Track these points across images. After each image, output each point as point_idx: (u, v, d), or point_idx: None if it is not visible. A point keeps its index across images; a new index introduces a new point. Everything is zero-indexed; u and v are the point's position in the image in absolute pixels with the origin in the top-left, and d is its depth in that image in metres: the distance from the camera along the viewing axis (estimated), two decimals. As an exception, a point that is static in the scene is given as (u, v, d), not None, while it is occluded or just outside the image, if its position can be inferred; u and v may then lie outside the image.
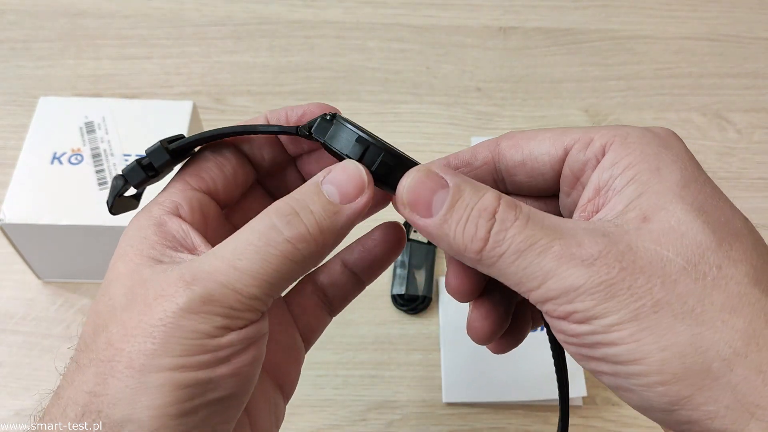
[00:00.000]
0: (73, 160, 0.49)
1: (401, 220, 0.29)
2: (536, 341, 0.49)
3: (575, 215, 0.26)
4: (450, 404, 0.48)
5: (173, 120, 0.51)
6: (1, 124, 0.60)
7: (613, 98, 0.64)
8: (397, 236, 0.31)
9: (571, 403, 0.47)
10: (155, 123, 0.51)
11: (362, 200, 0.25)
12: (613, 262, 0.22)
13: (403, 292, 0.51)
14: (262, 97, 0.63)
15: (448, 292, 0.29)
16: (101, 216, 0.47)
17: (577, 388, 0.47)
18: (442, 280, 0.52)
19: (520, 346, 0.48)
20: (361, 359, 0.50)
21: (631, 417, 0.47)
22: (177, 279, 0.23)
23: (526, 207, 0.24)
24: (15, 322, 0.51)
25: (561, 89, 0.65)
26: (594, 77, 0.66)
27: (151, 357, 0.23)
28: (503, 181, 0.29)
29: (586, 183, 0.26)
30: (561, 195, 0.28)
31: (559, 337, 0.24)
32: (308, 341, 0.32)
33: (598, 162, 0.26)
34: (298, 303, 0.32)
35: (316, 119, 0.27)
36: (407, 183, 0.25)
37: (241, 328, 0.24)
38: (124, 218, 0.46)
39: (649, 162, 0.24)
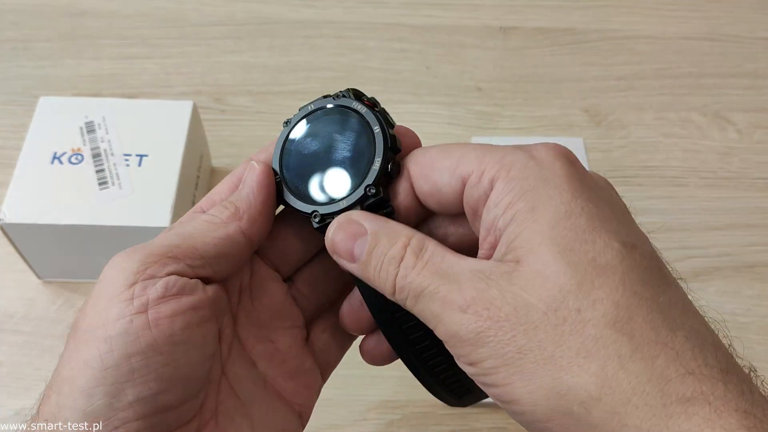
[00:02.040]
0: (73, 160, 0.49)
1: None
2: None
3: (479, 253, 0.27)
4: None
5: (173, 120, 0.51)
6: (1, 124, 0.60)
7: (613, 98, 0.64)
8: None
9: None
10: (155, 123, 0.51)
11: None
12: (481, 310, 0.24)
13: (403, 292, 0.51)
14: (262, 97, 0.63)
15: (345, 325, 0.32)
16: (101, 216, 0.47)
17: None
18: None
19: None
20: (361, 359, 0.50)
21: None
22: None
23: (430, 250, 0.26)
24: (15, 322, 0.51)
25: (561, 89, 0.65)
26: (594, 77, 0.65)
27: (83, 317, 0.25)
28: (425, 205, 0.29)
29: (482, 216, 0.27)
30: (469, 219, 0.28)
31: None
32: (327, 363, 0.33)
33: (487, 199, 0.26)
34: (319, 337, 0.32)
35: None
36: (332, 232, 0.27)
37: (158, 276, 0.25)
38: (124, 218, 0.47)
39: (526, 200, 0.25)
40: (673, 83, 0.65)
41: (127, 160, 0.49)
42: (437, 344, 0.27)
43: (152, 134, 0.50)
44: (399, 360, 0.50)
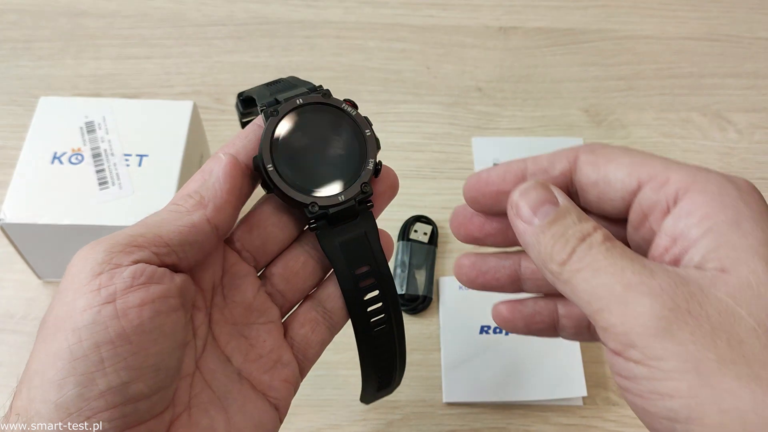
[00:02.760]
0: (73, 159, 0.49)
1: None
2: (536, 342, 0.49)
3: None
4: (450, 404, 0.48)
5: (173, 120, 0.51)
6: (1, 124, 0.60)
7: (613, 98, 0.64)
8: None
9: (571, 403, 0.47)
10: (155, 123, 0.51)
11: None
12: (679, 299, 0.22)
13: (403, 292, 0.51)
14: (263, 97, 0.63)
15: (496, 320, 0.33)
16: (101, 216, 0.47)
17: (577, 388, 0.47)
18: (442, 280, 0.52)
19: (519, 346, 0.49)
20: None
21: (631, 417, 0.47)
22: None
23: (618, 241, 0.25)
24: (15, 322, 0.51)
25: (561, 89, 0.65)
26: (594, 77, 0.66)
27: (51, 311, 0.26)
28: (576, 194, 0.29)
29: (654, 225, 0.26)
30: (629, 227, 0.28)
31: (617, 382, 0.24)
32: (306, 357, 0.33)
33: (669, 207, 0.25)
34: (297, 332, 0.32)
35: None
36: (523, 187, 0.27)
37: (124, 265, 0.25)
38: (124, 218, 0.47)
39: (727, 214, 0.24)
40: (673, 83, 0.65)
41: (127, 160, 0.49)
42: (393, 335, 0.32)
43: (152, 134, 0.50)
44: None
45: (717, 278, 0.22)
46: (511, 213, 0.27)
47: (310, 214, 0.30)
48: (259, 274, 0.33)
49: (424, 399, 0.48)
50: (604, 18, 0.70)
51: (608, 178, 0.27)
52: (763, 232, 0.23)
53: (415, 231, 0.54)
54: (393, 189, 0.34)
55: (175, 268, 0.28)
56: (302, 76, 0.65)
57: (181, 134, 0.51)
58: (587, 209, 0.29)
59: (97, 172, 0.48)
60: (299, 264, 0.32)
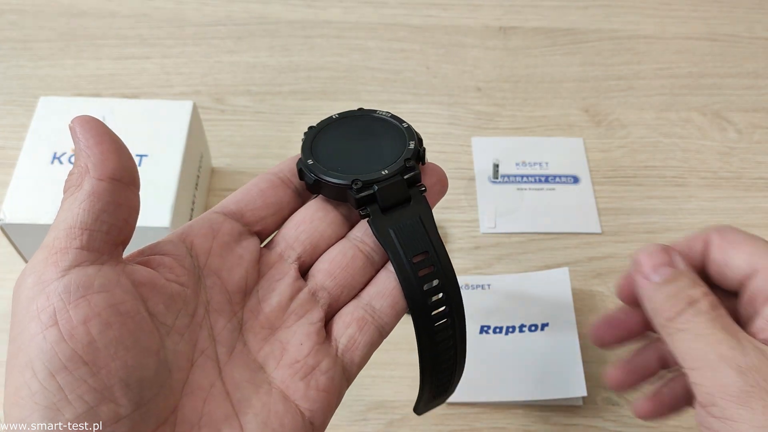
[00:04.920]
0: (73, 160, 0.49)
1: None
2: (537, 342, 0.49)
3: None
4: (450, 404, 0.48)
5: (173, 120, 0.51)
6: (1, 124, 0.60)
7: (613, 98, 0.64)
8: None
9: (571, 403, 0.47)
10: (155, 123, 0.51)
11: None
12: (760, 379, 0.26)
13: (403, 292, 0.51)
14: (262, 97, 0.63)
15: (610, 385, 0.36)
16: (101, 216, 0.47)
17: (577, 388, 0.47)
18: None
19: (519, 346, 0.49)
20: (361, 359, 0.50)
21: (631, 417, 0.47)
22: None
23: (723, 310, 0.29)
24: (15, 322, 0.51)
25: (561, 89, 0.65)
26: (594, 77, 0.66)
27: (9, 347, 0.24)
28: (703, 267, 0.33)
29: (759, 307, 0.30)
30: (739, 301, 0.31)
31: (700, 428, 0.28)
32: (353, 362, 0.30)
33: None
34: (343, 332, 0.30)
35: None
36: (648, 248, 0.31)
37: (53, 279, 0.24)
38: (124, 218, 0.47)
39: None
40: (673, 83, 0.65)
41: (127, 160, 0.49)
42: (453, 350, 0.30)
43: (152, 134, 0.50)
44: (398, 361, 0.50)
45: None
46: (632, 267, 0.31)
47: (356, 194, 0.30)
48: (304, 275, 0.31)
49: (424, 399, 0.48)
50: (604, 18, 0.70)
51: (728, 261, 0.31)
52: None
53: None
54: (442, 183, 0.33)
55: (111, 245, 0.25)
56: (302, 76, 0.65)
57: (181, 134, 0.51)
58: (708, 279, 0.32)
59: (97, 172, 0.48)
60: (347, 258, 0.31)
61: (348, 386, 0.30)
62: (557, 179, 0.58)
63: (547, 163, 0.59)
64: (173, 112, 0.52)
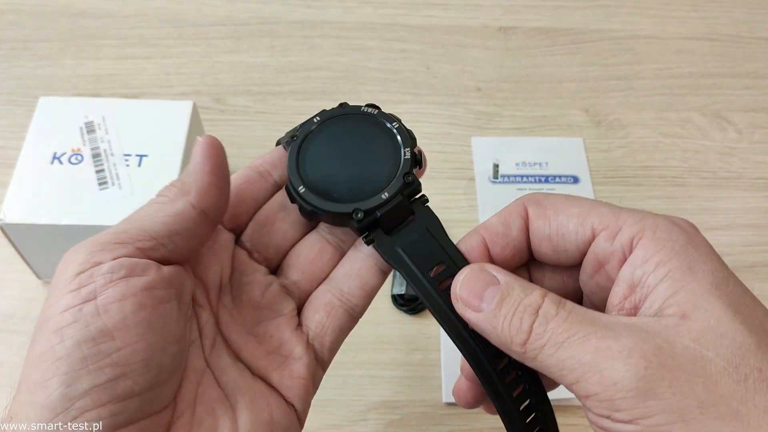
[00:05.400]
0: (73, 160, 0.49)
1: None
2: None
3: (613, 312, 0.26)
4: (450, 404, 0.48)
5: (173, 120, 0.51)
6: (1, 124, 0.60)
7: (613, 98, 0.64)
8: None
9: (570, 403, 0.47)
10: (155, 123, 0.51)
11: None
12: (650, 356, 0.23)
13: (403, 292, 0.51)
14: (262, 97, 0.63)
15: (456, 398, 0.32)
16: (101, 216, 0.47)
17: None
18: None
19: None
20: (361, 359, 0.50)
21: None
22: None
23: (570, 303, 0.25)
24: (15, 322, 0.51)
25: (561, 89, 0.65)
26: (594, 77, 0.66)
27: (39, 316, 0.25)
28: (531, 247, 0.29)
29: (611, 272, 0.27)
30: (582, 274, 0.28)
31: None
32: (324, 346, 0.31)
33: (625, 255, 0.26)
34: (312, 318, 0.31)
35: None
36: (462, 278, 0.27)
37: (105, 261, 0.25)
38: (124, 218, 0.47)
39: (680, 260, 0.25)
40: (673, 83, 0.65)
41: (127, 160, 0.49)
42: (534, 385, 0.28)
43: (152, 134, 0.50)
44: (398, 361, 0.50)
45: (679, 326, 0.23)
46: (459, 307, 0.27)
47: (357, 224, 0.28)
48: (274, 270, 0.31)
49: (424, 399, 0.48)
50: (604, 18, 0.70)
51: (560, 231, 0.28)
52: (712, 274, 0.25)
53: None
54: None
55: (166, 261, 0.27)
56: (302, 76, 0.65)
57: (181, 134, 0.51)
58: (540, 259, 0.29)
59: (97, 172, 0.48)
60: (315, 251, 0.31)
61: (324, 371, 0.31)
62: (557, 179, 0.58)
63: (547, 163, 0.59)
64: (173, 112, 0.52)
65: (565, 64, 0.66)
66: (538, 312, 0.25)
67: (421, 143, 0.63)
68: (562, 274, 0.30)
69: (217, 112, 0.62)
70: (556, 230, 0.28)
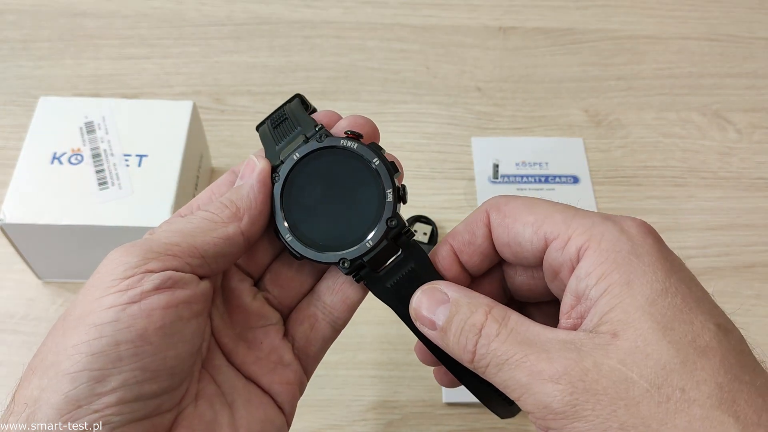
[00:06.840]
0: (73, 160, 0.49)
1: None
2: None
3: (561, 321, 0.27)
4: (450, 404, 0.48)
5: (173, 120, 0.51)
6: (1, 124, 0.60)
7: (613, 98, 0.64)
8: None
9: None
10: (155, 123, 0.51)
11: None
12: (576, 381, 0.23)
13: (403, 292, 0.51)
14: (262, 97, 0.63)
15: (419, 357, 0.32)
16: (101, 216, 0.47)
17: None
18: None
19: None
20: (361, 359, 0.50)
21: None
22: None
23: (513, 319, 0.26)
24: (15, 322, 0.51)
25: (561, 89, 0.65)
26: (594, 77, 0.66)
27: (74, 306, 0.26)
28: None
29: (564, 280, 0.27)
30: (545, 277, 0.29)
31: None
32: (309, 356, 0.32)
33: (573, 266, 0.26)
34: (297, 329, 0.32)
35: None
36: (416, 299, 0.29)
37: (156, 271, 0.26)
38: (124, 218, 0.47)
39: (620, 273, 0.25)
40: (672, 83, 0.65)
41: (126, 160, 0.49)
42: None
43: (152, 134, 0.50)
44: (398, 361, 0.50)
45: (609, 345, 0.24)
46: (418, 325, 0.29)
47: (345, 271, 0.30)
48: (256, 283, 0.32)
49: (424, 399, 0.48)
50: (604, 18, 0.70)
51: (517, 239, 0.28)
52: (650, 286, 0.24)
53: (415, 231, 0.54)
54: (374, 133, 0.32)
55: (204, 276, 0.28)
56: (302, 76, 0.65)
57: (181, 134, 0.51)
58: (508, 261, 0.30)
59: (97, 172, 0.48)
60: (293, 270, 0.32)
61: (308, 378, 0.32)
62: (557, 179, 0.58)
63: (546, 163, 0.59)
64: (173, 112, 0.52)
65: (565, 64, 0.66)
66: (480, 332, 0.26)
67: (421, 143, 0.63)
68: (531, 271, 0.30)
69: (217, 112, 0.62)
70: (514, 238, 0.29)
